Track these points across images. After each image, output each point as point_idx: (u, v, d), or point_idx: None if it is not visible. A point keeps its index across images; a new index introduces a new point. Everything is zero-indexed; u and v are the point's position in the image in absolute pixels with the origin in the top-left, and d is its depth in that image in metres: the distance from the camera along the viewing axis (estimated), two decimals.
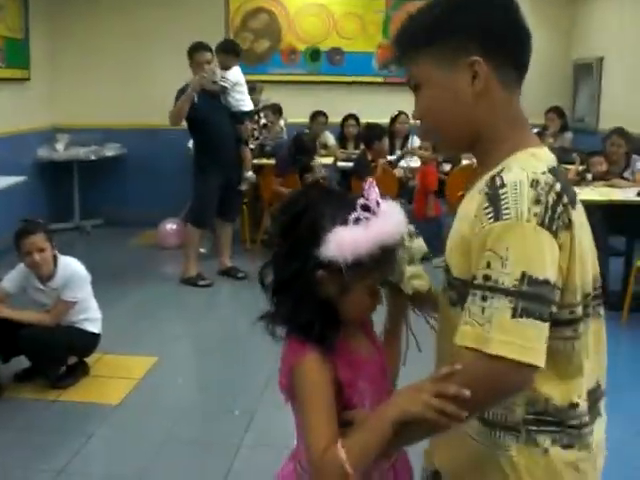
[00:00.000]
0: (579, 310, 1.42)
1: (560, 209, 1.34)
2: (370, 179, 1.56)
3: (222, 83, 6.53)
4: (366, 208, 1.49)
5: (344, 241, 1.45)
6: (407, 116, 8.38)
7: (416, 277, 1.66)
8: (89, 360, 4.62)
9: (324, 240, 1.45)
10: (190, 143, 7.20)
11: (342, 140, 8.79)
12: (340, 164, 8.12)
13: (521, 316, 1.28)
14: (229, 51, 6.78)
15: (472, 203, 1.41)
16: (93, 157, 8.59)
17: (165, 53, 8.53)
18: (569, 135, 8.66)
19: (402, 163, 8.06)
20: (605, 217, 6.21)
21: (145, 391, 4.41)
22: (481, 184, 1.43)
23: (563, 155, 7.77)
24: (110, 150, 8.82)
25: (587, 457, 1.47)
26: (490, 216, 1.33)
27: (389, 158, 7.87)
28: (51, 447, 3.72)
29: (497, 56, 1.45)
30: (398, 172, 7.83)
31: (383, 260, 1.50)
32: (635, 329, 5.50)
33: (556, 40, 9.94)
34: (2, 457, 3.61)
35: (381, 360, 1.66)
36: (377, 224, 1.47)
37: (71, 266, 4.44)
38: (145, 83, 8.73)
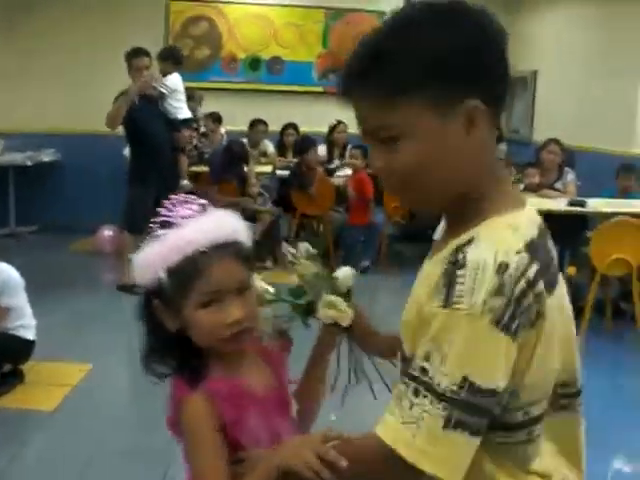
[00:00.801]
0: (534, 411, 1.22)
1: (528, 301, 1.13)
2: (177, 196, 1.46)
3: (160, 89, 6.53)
4: (164, 224, 1.41)
5: (140, 263, 1.40)
6: (345, 125, 8.48)
7: (332, 307, 1.58)
8: (24, 367, 4.57)
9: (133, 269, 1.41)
10: (126, 151, 7.19)
11: (281, 148, 8.85)
12: (279, 172, 8.18)
13: (454, 428, 1.12)
14: (168, 58, 6.81)
15: (432, 273, 1.21)
16: (29, 163, 8.48)
17: (104, 58, 8.46)
18: (503, 147, 8.83)
19: (339, 172, 8.16)
20: None
21: (80, 398, 4.39)
22: (446, 252, 1.21)
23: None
24: (46, 156, 8.73)
25: None
26: (441, 298, 1.14)
27: (327, 167, 7.96)
28: None
29: (490, 95, 1.21)
30: (336, 181, 7.92)
31: (191, 269, 1.36)
32: None
33: None
34: None
35: (282, 395, 1.52)
36: (171, 237, 1.38)
37: (5, 272, 4.39)
38: (83, 88, 8.65)
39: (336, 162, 8.60)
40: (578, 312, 5.60)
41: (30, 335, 4.49)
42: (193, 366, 1.41)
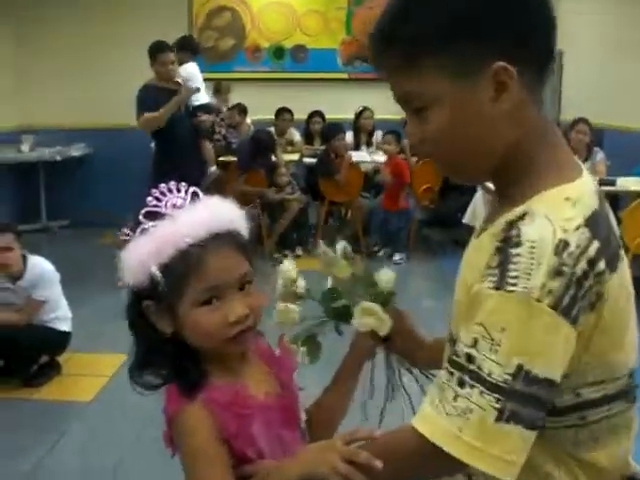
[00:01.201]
0: (588, 393, 1.12)
1: (589, 282, 1.04)
2: (168, 185, 1.32)
3: (178, 79, 6.55)
4: (151, 216, 1.27)
5: (129, 260, 1.27)
6: (371, 111, 8.47)
7: (370, 314, 1.47)
8: (60, 359, 4.65)
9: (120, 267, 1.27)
10: (153, 144, 7.23)
11: (308, 136, 8.84)
12: (306, 160, 8.18)
13: (507, 421, 1.02)
14: (185, 48, 6.84)
15: (482, 250, 1.12)
16: (58, 158, 8.55)
17: (129, 53, 8.49)
18: None
19: (367, 158, 8.14)
20: None
21: (116, 388, 4.42)
22: (498, 227, 1.12)
23: None
24: (75, 150, 8.80)
25: None
26: (493, 280, 1.05)
27: (352, 154, 7.93)
28: (26, 444, 3.74)
29: (527, 59, 1.12)
30: (365, 167, 7.91)
31: (187, 264, 1.23)
32: None
33: None
34: None
35: (288, 403, 1.37)
36: (162, 229, 1.25)
37: (40, 265, 4.47)
38: (109, 83, 8.69)
39: (363, 148, 8.59)
40: None
41: (66, 327, 4.57)
42: (190, 374, 1.27)
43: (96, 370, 4.68)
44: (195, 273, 1.23)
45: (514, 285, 1.01)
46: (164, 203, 1.28)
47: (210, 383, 1.27)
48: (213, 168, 6.97)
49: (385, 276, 1.53)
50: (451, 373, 1.07)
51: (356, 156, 7.97)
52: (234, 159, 7.70)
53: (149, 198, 1.28)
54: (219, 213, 1.29)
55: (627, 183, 6.06)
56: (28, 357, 4.47)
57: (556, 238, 1.03)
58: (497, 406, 1.02)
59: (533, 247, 1.02)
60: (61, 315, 4.56)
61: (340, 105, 9.02)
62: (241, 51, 9.68)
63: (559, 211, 1.06)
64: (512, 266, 1.02)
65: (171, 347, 1.28)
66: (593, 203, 1.11)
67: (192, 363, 1.28)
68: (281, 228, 7.47)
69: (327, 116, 8.82)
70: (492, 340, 1.02)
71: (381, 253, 7.55)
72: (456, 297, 1.20)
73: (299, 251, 7.36)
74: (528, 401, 1.02)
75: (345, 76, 9.61)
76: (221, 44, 9.60)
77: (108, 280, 6.57)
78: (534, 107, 1.16)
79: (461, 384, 1.05)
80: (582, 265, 1.03)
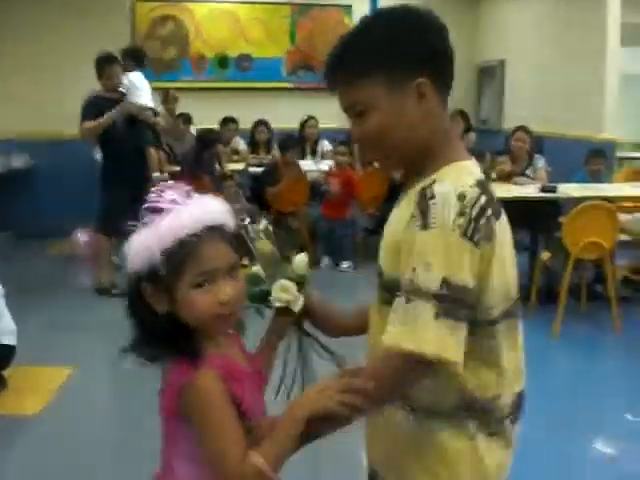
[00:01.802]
0: (494, 312, 1.50)
1: (483, 221, 1.42)
2: (166, 183, 1.55)
3: (121, 89, 6.54)
4: (153, 209, 1.48)
5: (134, 248, 1.47)
6: (316, 120, 8.52)
7: (285, 290, 1.70)
8: (5, 372, 4.57)
9: (126, 254, 1.48)
10: (97, 155, 7.18)
11: (253, 146, 8.86)
12: (251, 169, 8.19)
13: (444, 316, 1.38)
14: (130, 57, 6.85)
15: (404, 212, 1.49)
16: (1, 169, 8.44)
17: (72, 62, 8.45)
18: (472, 136, 8.92)
19: (313, 167, 8.20)
20: (510, 214, 6.45)
21: (64, 400, 4.39)
22: (412, 194, 1.50)
23: (472, 155, 8.04)
24: (18, 161, 8.70)
25: (505, 446, 1.59)
26: (418, 224, 1.42)
27: (302, 164, 7.99)
28: None
29: (438, 75, 1.54)
30: (310, 176, 7.96)
31: (185, 252, 1.44)
32: (540, 319, 5.72)
33: (461, 44, 10.21)
34: None
35: (256, 373, 1.63)
36: (164, 221, 1.46)
37: None
38: (51, 92, 8.64)
39: (309, 158, 8.64)
40: (554, 297, 5.69)
41: (10, 340, 4.49)
42: (190, 345, 1.48)
43: (43, 383, 4.62)
44: (192, 259, 1.45)
45: (434, 224, 1.41)
46: (164, 199, 1.49)
47: (209, 354, 1.48)
48: (157, 174, 6.96)
49: (298, 260, 1.76)
50: (400, 296, 1.43)
51: (302, 165, 8.01)
52: (178, 169, 7.67)
53: (151, 195, 1.50)
54: (211, 208, 1.52)
55: (568, 190, 6.18)
56: None
57: (457, 191, 1.43)
58: (434, 309, 1.38)
59: (444, 198, 1.42)
60: (5, 329, 4.48)
61: (284, 114, 9.08)
62: (186, 60, 9.67)
63: (458, 177, 1.49)
64: (431, 212, 1.42)
65: (167, 324, 1.48)
66: (480, 175, 1.54)
67: (188, 337, 1.49)
68: None
69: (272, 125, 8.85)
70: (425, 263, 1.40)
71: (326, 262, 7.61)
72: (384, 249, 1.58)
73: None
74: (455, 301, 1.39)
75: (290, 85, 9.65)
76: (165, 54, 9.59)
77: (52, 291, 6.60)
78: (442, 109, 1.59)
79: (408, 301, 1.41)
80: (476, 209, 1.43)
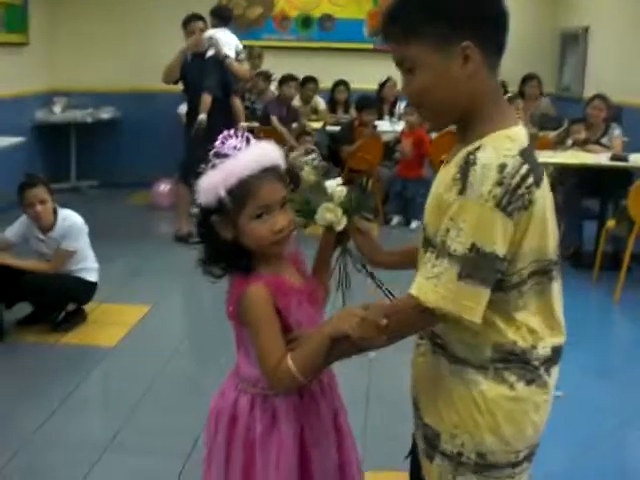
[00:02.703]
0: (524, 272, 1.58)
1: (521, 191, 1.49)
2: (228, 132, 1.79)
3: (207, 42, 6.72)
4: (219, 155, 1.74)
5: (204, 187, 1.74)
6: (395, 82, 8.60)
7: (329, 211, 1.92)
8: (87, 307, 4.92)
9: (196, 192, 1.76)
10: (180, 108, 7.43)
11: (332, 105, 9.01)
12: (329, 128, 8.36)
13: (466, 278, 1.49)
14: (215, 15, 7.05)
15: (448, 173, 1.55)
16: (89, 120, 8.80)
17: (160, 19, 8.72)
18: (545, 101, 8.88)
19: (388, 127, 8.32)
20: (580, 181, 6.50)
21: (139, 335, 4.72)
22: (459, 157, 1.55)
23: (545, 121, 8.06)
24: (106, 113, 9.04)
25: (544, 392, 1.66)
26: (457, 189, 1.49)
27: (377, 123, 8.12)
28: (52, 384, 4.01)
29: (485, 40, 1.56)
30: (386, 137, 8.09)
31: (246, 189, 1.72)
32: (604, 286, 5.80)
33: (544, 11, 10.16)
34: (9, 392, 3.93)
35: (310, 291, 1.88)
36: (228, 164, 1.72)
37: (70, 217, 4.72)
38: (140, 49, 8.92)
39: (386, 118, 8.75)
40: (619, 264, 5.73)
41: (92, 277, 4.83)
42: (247, 265, 1.78)
43: (120, 319, 4.95)
44: (251, 196, 1.73)
45: (471, 191, 1.48)
46: (227, 146, 1.75)
47: (260, 273, 1.78)
48: (243, 124, 7.15)
49: (331, 185, 1.97)
50: (432, 252, 1.55)
51: (379, 125, 8.15)
52: (257, 125, 7.88)
53: (217, 142, 1.76)
54: (266, 152, 1.79)
55: (639, 159, 6.17)
56: (56, 304, 4.74)
57: (498, 161, 1.49)
58: (458, 269, 1.49)
59: (484, 167, 1.49)
60: (88, 266, 4.82)
61: (364, 75, 9.17)
62: (269, 19, 9.84)
63: (502, 144, 1.54)
64: (470, 179, 1.49)
65: (230, 247, 1.77)
66: (525, 143, 1.58)
67: (246, 258, 1.79)
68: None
69: (352, 86, 8.98)
70: (458, 228, 1.49)
71: (395, 220, 7.77)
72: (428, 209, 1.66)
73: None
74: (478, 266, 1.50)
75: (370, 47, 9.74)
76: (249, 12, 9.78)
77: (134, 237, 6.95)
78: (490, 74, 1.62)
79: (437, 257, 1.53)
80: (516, 179, 1.49)
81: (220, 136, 1.78)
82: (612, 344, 5.09)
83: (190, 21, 6.72)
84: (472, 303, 1.51)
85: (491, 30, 1.60)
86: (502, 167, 1.49)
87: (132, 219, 7.82)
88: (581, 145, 6.73)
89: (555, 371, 1.70)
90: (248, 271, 1.77)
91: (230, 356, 2.05)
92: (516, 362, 1.62)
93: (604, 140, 6.84)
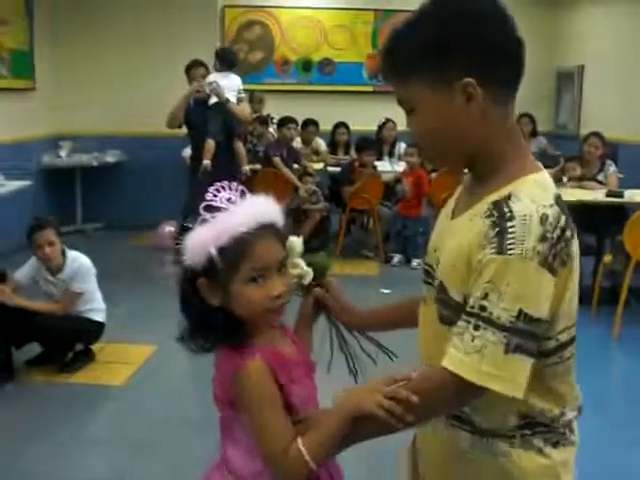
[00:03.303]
0: (563, 337, 1.45)
1: (562, 245, 1.35)
2: (220, 184, 1.60)
3: (208, 88, 6.83)
4: (210, 209, 1.54)
5: (192, 244, 1.53)
6: (394, 123, 8.75)
7: (295, 267, 1.75)
8: (95, 347, 5.02)
9: (181, 251, 1.54)
10: (184, 152, 7.57)
11: (333, 146, 9.15)
12: (330, 169, 8.52)
13: (514, 352, 1.32)
14: (218, 58, 7.22)
15: (474, 226, 1.40)
16: (95, 163, 8.93)
17: (164, 64, 8.88)
18: (543, 140, 9.08)
19: (388, 167, 8.47)
20: (577, 217, 6.60)
21: (146, 375, 4.81)
22: (482, 206, 1.41)
23: (543, 159, 8.19)
24: (111, 156, 9.16)
25: (572, 452, 1.57)
26: (494, 247, 1.33)
27: (376, 164, 8.27)
28: (60, 422, 4.10)
29: (492, 74, 1.42)
30: (386, 177, 8.23)
31: (240, 249, 1.51)
32: (603, 321, 5.88)
33: (539, 50, 10.32)
34: (18, 431, 4.01)
35: (307, 362, 1.70)
36: (221, 220, 1.52)
37: (78, 259, 4.84)
38: (144, 93, 9.04)
39: (385, 159, 8.89)
40: (617, 299, 5.82)
41: (100, 318, 4.93)
42: (241, 337, 1.55)
43: (127, 358, 5.04)
44: (246, 256, 1.51)
45: (512, 250, 1.32)
46: (220, 198, 1.55)
47: (253, 345, 1.55)
48: (246, 167, 7.29)
49: (290, 241, 1.78)
50: (468, 322, 1.36)
51: (379, 166, 8.30)
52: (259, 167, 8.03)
53: (207, 195, 1.56)
54: (264, 207, 1.58)
55: (635, 195, 6.31)
56: (65, 345, 4.84)
57: (539, 213, 1.35)
58: (505, 341, 1.32)
59: (524, 220, 1.34)
60: (96, 307, 4.93)
61: (364, 117, 9.36)
62: (270, 63, 10.06)
63: (537, 193, 1.39)
64: (509, 235, 1.33)
65: (219, 316, 1.55)
66: (555, 189, 1.45)
67: (238, 329, 1.55)
68: (303, 234, 7.78)
69: (352, 127, 9.15)
70: (499, 292, 1.32)
71: (396, 259, 7.89)
72: (448, 268, 1.47)
73: None
74: (527, 336, 1.33)
75: (370, 89, 9.93)
76: (251, 57, 10.01)
77: (139, 278, 7.05)
78: (501, 114, 1.46)
79: (476, 328, 1.34)
80: (557, 232, 1.35)
81: (211, 188, 1.59)
82: (611, 380, 5.17)
83: (192, 67, 6.91)
84: (520, 378, 1.35)
85: (498, 62, 1.44)
86: (544, 219, 1.35)
87: (137, 260, 7.91)
88: (577, 182, 6.86)
89: (576, 424, 1.61)
90: (241, 343, 1.55)
91: None
92: (543, 427, 1.50)
93: (600, 177, 6.97)
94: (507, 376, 1.33)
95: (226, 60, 7.17)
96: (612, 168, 7.04)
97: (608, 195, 6.28)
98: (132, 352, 5.16)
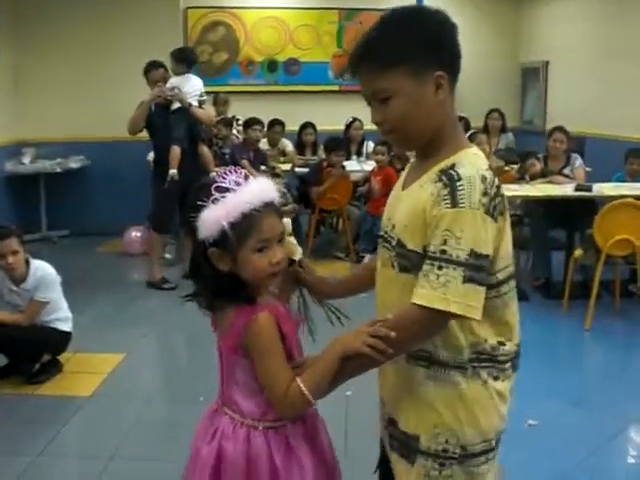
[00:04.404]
0: (500, 275, 1.77)
1: (498, 200, 1.69)
2: (230, 168, 1.86)
3: (170, 93, 6.74)
4: (220, 189, 1.78)
5: (206, 220, 1.76)
6: (361, 122, 8.71)
7: (286, 244, 1.96)
8: (61, 357, 4.91)
9: (196, 226, 1.78)
10: (149, 155, 7.47)
11: (300, 147, 9.09)
12: (298, 170, 8.45)
13: (469, 282, 1.62)
14: (179, 59, 7.01)
15: (425, 190, 1.72)
16: (59, 169, 8.77)
17: (126, 67, 8.74)
18: (511, 136, 9.10)
19: (356, 167, 8.43)
20: (546, 213, 6.62)
21: (114, 383, 4.71)
22: (430, 175, 1.73)
23: (509, 155, 8.23)
24: (75, 162, 9.00)
25: (508, 386, 1.86)
26: (447, 202, 1.64)
27: (345, 164, 8.22)
28: (29, 434, 4.00)
29: (451, 69, 1.75)
30: (355, 176, 8.19)
31: (249, 223, 1.77)
32: (575, 315, 5.88)
33: (505, 46, 10.42)
34: None
35: (295, 318, 1.99)
36: (231, 199, 1.77)
37: (42, 268, 4.73)
38: (107, 97, 8.92)
39: (353, 158, 8.85)
40: (588, 293, 5.82)
41: (66, 327, 4.83)
42: (249, 296, 1.83)
43: (95, 368, 4.93)
44: (254, 229, 1.79)
45: (463, 203, 1.64)
46: (228, 180, 1.80)
47: (261, 302, 1.85)
48: (213, 174, 7.16)
49: (286, 222, 2.01)
50: (432, 264, 1.65)
51: (347, 165, 8.26)
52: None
53: (217, 177, 1.82)
54: (266, 187, 1.85)
55: (603, 189, 6.32)
56: (31, 356, 4.72)
57: (480, 174, 1.68)
58: (463, 274, 1.63)
59: (470, 180, 1.66)
60: (62, 316, 4.82)
61: (331, 116, 9.33)
62: (235, 65, 9.98)
63: (475, 160, 1.75)
64: (459, 192, 1.64)
65: (228, 280, 1.83)
66: (485, 159, 1.80)
67: (245, 290, 1.84)
68: None
69: (319, 127, 9.10)
70: (456, 237, 1.63)
71: (367, 259, 7.81)
72: (405, 223, 1.77)
73: None
74: (478, 269, 1.64)
75: (336, 88, 9.90)
76: (215, 58, 9.93)
77: (105, 286, 6.93)
78: (452, 100, 1.81)
79: (440, 268, 1.64)
80: (494, 189, 1.69)
81: (219, 171, 1.85)
82: (584, 372, 5.17)
83: (151, 69, 6.79)
84: (476, 303, 1.65)
85: (455, 60, 1.79)
86: (483, 179, 1.67)
87: (104, 267, 7.81)
88: (539, 177, 6.86)
89: (517, 363, 1.89)
90: (250, 301, 1.82)
91: (209, 398, 2.09)
92: (487, 361, 1.80)
93: (566, 171, 6.99)
94: (466, 301, 1.63)
95: (186, 60, 7.02)
96: (578, 162, 7.05)
97: (577, 189, 6.28)
98: (100, 361, 5.05)
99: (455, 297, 1.62)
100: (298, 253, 2.10)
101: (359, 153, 9.04)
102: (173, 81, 6.84)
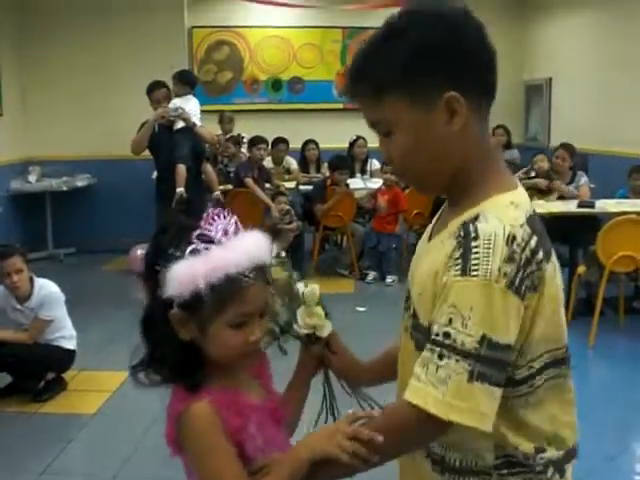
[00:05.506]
0: (535, 364, 1.34)
1: (532, 268, 1.26)
2: (215, 209, 1.44)
3: (174, 114, 6.79)
4: (204, 238, 1.39)
5: (179, 274, 1.36)
6: (365, 140, 8.73)
7: (312, 315, 1.63)
8: (66, 375, 4.93)
9: (163, 278, 1.38)
10: (154, 174, 7.52)
11: (304, 164, 9.11)
12: (302, 187, 8.48)
13: (477, 380, 1.23)
14: (183, 82, 7.08)
15: (445, 247, 1.32)
16: (65, 188, 8.81)
17: (132, 86, 8.79)
18: (516, 153, 9.13)
19: (360, 185, 8.45)
20: (549, 229, 6.61)
21: (119, 401, 4.72)
22: (453, 227, 1.33)
23: (514, 170, 8.26)
24: (81, 180, 9.06)
25: None
26: (457, 268, 1.25)
27: (349, 181, 8.24)
28: (33, 452, 4.01)
29: (472, 86, 1.33)
30: (359, 194, 8.22)
31: (232, 290, 1.38)
32: (578, 331, 5.86)
33: (508, 62, 10.41)
34: None
35: (272, 407, 1.53)
36: (216, 254, 1.37)
37: (46, 287, 4.76)
38: (113, 116, 8.98)
39: (358, 176, 8.87)
40: (592, 310, 5.82)
41: (71, 345, 4.86)
42: (194, 376, 1.42)
43: (100, 386, 4.95)
44: (237, 299, 1.38)
45: (476, 271, 1.23)
46: (215, 229, 1.40)
47: (210, 387, 1.42)
48: (217, 193, 7.24)
49: (310, 288, 1.67)
50: (432, 350, 1.27)
51: (351, 183, 8.28)
52: (230, 187, 7.99)
53: (201, 222, 1.41)
54: (260, 246, 1.44)
55: (606, 205, 6.33)
56: (36, 374, 4.75)
57: (506, 233, 1.26)
58: (469, 369, 1.23)
59: (489, 240, 1.25)
60: (66, 334, 4.85)
61: (335, 134, 9.37)
62: (240, 83, 10.04)
63: (506, 212, 1.30)
64: (473, 256, 1.24)
65: (182, 351, 1.42)
66: (530, 208, 1.35)
67: (196, 367, 1.43)
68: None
69: (323, 145, 9.13)
70: (462, 317, 1.23)
71: (371, 276, 7.85)
72: (418, 291, 1.39)
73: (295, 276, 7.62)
74: (492, 363, 1.24)
75: (340, 106, 9.94)
76: (220, 77, 9.99)
77: (111, 304, 6.96)
78: (479, 129, 1.38)
79: (441, 357, 1.25)
80: (527, 253, 1.26)
81: (205, 215, 1.42)
82: (588, 388, 5.16)
83: (154, 89, 6.87)
84: (486, 409, 1.26)
85: (478, 73, 1.36)
86: (511, 239, 1.25)
87: (109, 285, 7.83)
88: (545, 176, 6.92)
89: (569, 468, 1.45)
90: (194, 385, 1.42)
91: None
92: (521, 466, 1.37)
93: (571, 187, 7.00)
94: (470, 407, 1.24)
95: (188, 82, 7.12)
96: (584, 179, 7.09)
97: (580, 206, 6.30)
98: (105, 379, 5.05)
99: (456, 400, 1.24)
100: (327, 329, 1.65)
101: (363, 171, 9.05)
102: (176, 102, 6.89)
